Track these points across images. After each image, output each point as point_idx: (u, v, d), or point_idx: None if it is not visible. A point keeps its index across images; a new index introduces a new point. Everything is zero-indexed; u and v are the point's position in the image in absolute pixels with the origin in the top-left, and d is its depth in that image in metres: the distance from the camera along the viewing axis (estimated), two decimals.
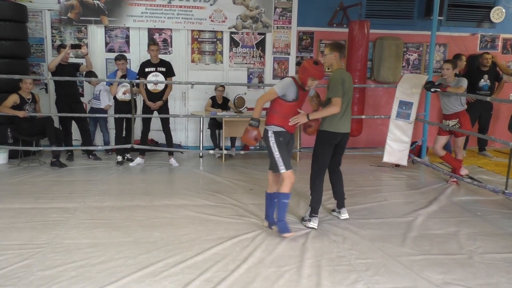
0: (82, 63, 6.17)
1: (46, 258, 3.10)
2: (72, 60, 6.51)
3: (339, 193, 4.07)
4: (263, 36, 7.41)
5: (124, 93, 6.00)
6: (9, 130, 5.94)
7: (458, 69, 5.44)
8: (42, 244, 3.34)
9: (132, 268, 2.98)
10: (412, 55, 7.81)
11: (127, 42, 7.12)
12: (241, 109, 6.68)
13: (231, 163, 6.43)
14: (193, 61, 7.32)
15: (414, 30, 7.62)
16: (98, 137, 7.09)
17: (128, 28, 7.05)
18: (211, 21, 7.14)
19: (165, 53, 7.13)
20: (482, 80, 6.97)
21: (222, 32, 7.27)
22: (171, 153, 6.22)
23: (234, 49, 7.39)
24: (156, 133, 6.89)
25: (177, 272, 2.95)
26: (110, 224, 3.79)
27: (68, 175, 5.51)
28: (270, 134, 3.57)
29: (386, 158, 5.69)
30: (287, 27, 7.43)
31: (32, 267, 2.96)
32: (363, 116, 6.65)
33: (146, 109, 6.00)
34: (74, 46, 6.02)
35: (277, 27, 7.40)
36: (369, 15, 7.35)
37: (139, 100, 6.58)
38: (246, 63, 7.47)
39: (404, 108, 5.57)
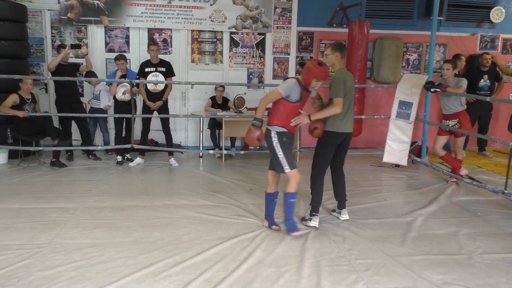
0: (82, 63, 6.17)
1: (46, 258, 3.10)
2: (72, 60, 6.51)
3: (340, 194, 4.07)
4: (263, 36, 7.41)
5: (123, 93, 6.00)
6: (9, 130, 5.95)
7: (457, 69, 5.44)
8: (42, 244, 3.34)
9: (132, 268, 2.98)
10: (412, 55, 7.81)
11: (127, 42, 7.12)
12: (241, 109, 6.68)
13: (231, 163, 6.43)
14: (193, 61, 7.32)
15: (414, 30, 7.62)
16: (98, 137, 7.09)
17: (128, 28, 7.05)
18: (211, 21, 7.14)
19: (165, 53, 7.13)
20: (482, 80, 6.97)
21: (222, 32, 7.28)
22: (171, 153, 6.22)
23: (234, 49, 7.39)
24: (156, 133, 6.89)
25: (177, 272, 2.95)
26: (110, 224, 3.79)
27: (68, 175, 5.51)
28: (273, 134, 3.57)
29: (386, 158, 5.69)
30: (287, 27, 7.43)
31: (32, 267, 2.96)
32: (363, 116, 6.65)
33: (146, 109, 6.00)
34: (74, 46, 6.03)
35: (277, 27, 7.40)
36: (369, 15, 7.35)
37: (139, 100, 6.58)
38: (246, 63, 7.47)
39: (404, 108, 5.57)
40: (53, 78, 5.83)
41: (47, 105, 6.73)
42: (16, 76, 5.66)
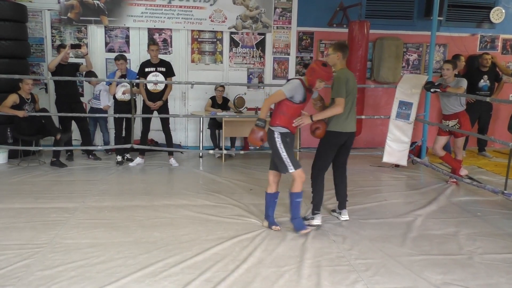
0: (82, 63, 6.17)
1: (45, 258, 3.10)
2: (72, 60, 6.51)
3: (341, 194, 4.07)
4: (263, 36, 7.41)
5: (123, 93, 6.00)
6: (8, 130, 5.94)
7: (457, 70, 5.45)
8: (42, 244, 3.34)
9: (132, 268, 2.98)
10: (412, 55, 7.81)
11: (127, 42, 7.12)
12: (241, 109, 6.68)
13: (231, 163, 6.43)
14: (193, 61, 7.32)
15: (414, 31, 7.62)
16: (98, 137, 7.09)
17: (128, 28, 7.05)
18: (211, 21, 7.15)
19: (165, 53, 7.13)
20: (482, 80, 6.98)
21: (222, 32, 7.28)
22: (171, 153, 6.22)
23: (234, 49, 7.39)
24: (156, 133, 6.89)
25: (177, 272, 2.95)
26: (110, 224, 3.79)
27: (68, 175, 5.51)
28: (277, 135, 3.58)
29: (386, 158, 5.69)
30: (287, 27, 7.43)
31: (32, 267, 2.96)
32: (363, 117, 6.65)
33: (146, 109, 6.00)
34: (74, 46, 6.03)
35: (277, 27, 7.40)
36: (369, 15, 7.35)
37: (139, 100, 6.58)
38: (246, 63, 7.47)
39: (404, 108, 5.57)
40: (53, 78, 5.83)
41: (47, 105, 6.72)
42: (16, 76, 5.66)
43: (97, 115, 6.45)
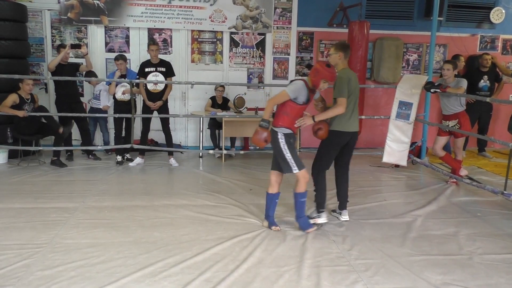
0: (82, 63, 6.17)
1: (45, 258, 3.10)
2: (72, 60, 6.51)
3: (342, 195, 4.07)
4: (263, 36, 7.41)
5: (123, 93, 6.00)
6: (8, 130, 5.94)
7: (456, 70, 5.45)
8: (42, 244, 3.34)
9: (132, 268, 2.98)
10: (412, 55, 7.81)
11: (127, 42, 7.12)
12: (241, 109, 6.68)
13: (231, 163, 6.43)
14: (193, 61, 7.32)
15: (414, 31, 7.63)
16: (98, 137, 7.10)
17: (128, 28, 7.05)
18: (211, 21, 7.15)
19: (165, 53, 7.13)
20: (482, 80, 6.98)
21: (222, 32, 7.28)
22: (171, 153, 6.22)
23: (234, 49, 7.39)
24: (156, 133, 6.90)
25: (177, 272, 2.95)
26: (110, 224, 3.79)
27: (68, 175, 5.51)
28: (280, 136, 3.58)
29: (386, 159, 5.69)
30: (287, 27, 7.43)
31: (32, 267, 2.96)
32: (363, 117, 6.64)
33: (146, 109, 6.00)
34: (74, 46, 6.03)
35: (277, 27, 7.40)
36: (369, 15, 7.35)
37: (139, 100, 6.58)
38: (246, 63, 7.47)
39: (404, 108, 5.57)
40: (53, 78, 5.83)
41: (47, 105, 6.72)
42: (16, 76, 5.65)
43: (97, 115, 6.45)
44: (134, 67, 6.60)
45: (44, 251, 3.22)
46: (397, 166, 6.05)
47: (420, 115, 6.17)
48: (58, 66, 5.78)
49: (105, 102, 6.53)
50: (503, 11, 7.64)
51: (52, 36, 6.93)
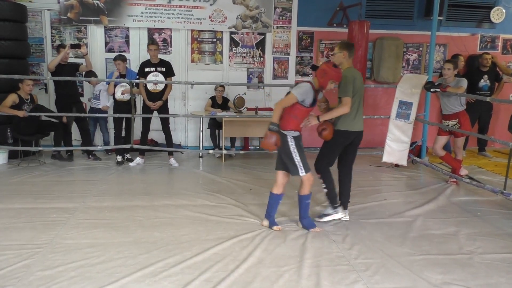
0: (81, 63, 6.18)
1: (45, 258, 3.10)
2: (72, 60, 6.52)
3: (344, 194, 4.05)
4: (263, 36, 7.41)
5: (122, 93, 6.00)
6: (8, 130, 5.94)
7: (456, 70, 5.45)
8: (42, 244, 3.34)
9: (132, 268, 2.98)
10: (412, 55, 7.81)
11: (127, 42, 7.12)
12: (241, 109, 6.68)
13: (230, 163, 6.43)
14: (193, 61, 7.32)
15: (414, 30, 7.62)
16: (98, 137, 7.09)
17: (127, 28, 7.05)
18: (211, 21, 7.14)
19: (165, 53, 7.13)
20: (482, 80, 6.97)
21: (222, 32, 7.28)
22: (171, 153, 6.22)
23: (234, 49, 7.39)
24: (156, 133, 6.90)
25: (177, 272, 2.95)
26: (110, 224, 3.79)
27: (67, 175, 5.51)
28: (290, 139, 3.59)
29: (386, 158, 5.68)
30: (287, 27, 7.43)
31: (32, 267, 2.96)
32: (363, 116, 6.63)
33: (146, 109, 6.00)
34: (73, 46, 6.03)
35: (277, 27, 7.40)
36: (369, 15, 7.35)
37: (139, 100, 6.58)
38: (246, 63, 7.47)
39: (404, 108, 5.57)
40: (53, 78, 5.83)
41: (47, 105, 6.72)
42: (16, 76, 5.66)
43: (97, 115, 6.45)
44: (134, 67, 6.60)
45: (44, 251, 3.22)
46: (397, 165, 6.05)
47: (420, 115, 6.17)
48: (58, 66, 5.78)
49: (105, 102, 6.53)
50: (503, 10, 7.63)
51: (52, 36, 6.93)
